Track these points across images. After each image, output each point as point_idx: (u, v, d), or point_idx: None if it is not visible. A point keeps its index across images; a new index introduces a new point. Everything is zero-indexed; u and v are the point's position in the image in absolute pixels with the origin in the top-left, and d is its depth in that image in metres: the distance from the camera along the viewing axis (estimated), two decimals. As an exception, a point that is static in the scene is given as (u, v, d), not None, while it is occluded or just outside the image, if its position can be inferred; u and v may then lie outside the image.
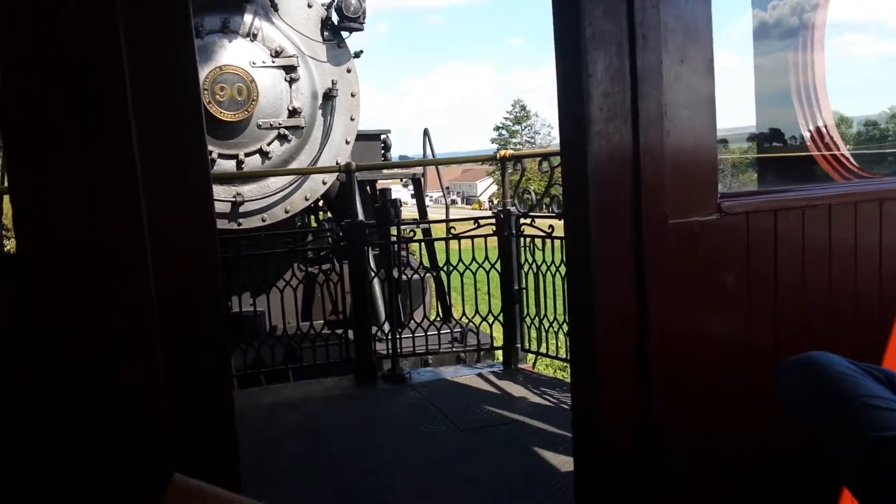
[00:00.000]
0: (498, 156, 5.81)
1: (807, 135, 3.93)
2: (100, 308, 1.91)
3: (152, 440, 1.90)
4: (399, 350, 5.57)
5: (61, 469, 1.88)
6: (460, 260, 5.66)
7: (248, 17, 7.47)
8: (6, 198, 8.55)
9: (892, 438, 1.53)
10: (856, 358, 1.80)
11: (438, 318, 6.10)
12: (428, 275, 6.81)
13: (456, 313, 6.76)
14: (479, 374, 5.51)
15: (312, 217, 9.16)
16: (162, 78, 1.92)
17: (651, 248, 2.26)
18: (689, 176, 2.30)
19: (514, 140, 74.44)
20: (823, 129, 3.83)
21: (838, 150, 3.73)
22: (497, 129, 77.81)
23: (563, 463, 3.69)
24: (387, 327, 5.74)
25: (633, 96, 2.23)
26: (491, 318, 5.81)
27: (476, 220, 5.78)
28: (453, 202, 70.17)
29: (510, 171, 5.82)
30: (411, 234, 6.13)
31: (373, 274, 5.73)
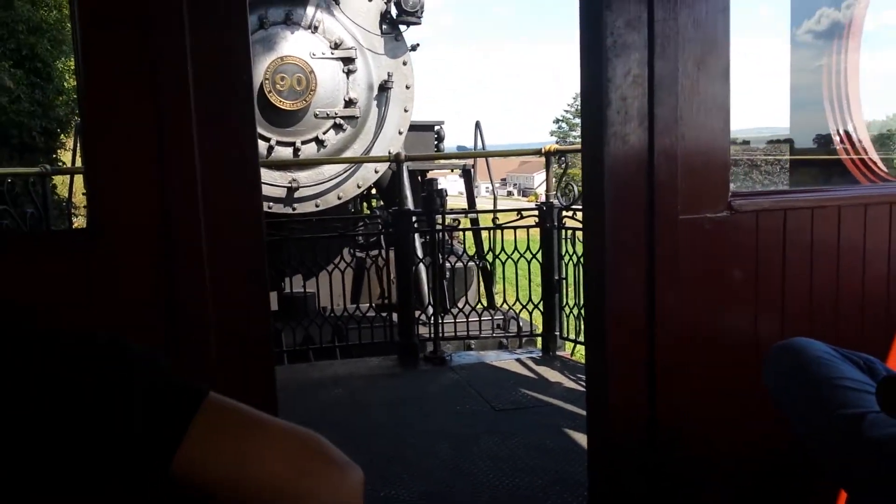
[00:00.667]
0: (543, 150, 5.99)
1: (836, 139, 4.00)
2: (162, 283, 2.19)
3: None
4: (441, 333, 5.82)
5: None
6: (503, 249, 5.87)
7: (310, 10, 7.78)
8: (77, 177, 9.08)
9: (857, 415, 1.69)
10: (860, 354, 1.94)
11: (480, 305, 6.31)
12: (471, 263, 7.03)
13: (499, 300, 6.99)
14: (518, 360, 5.71)
15: (365, 204, 9.46)
16: (219, 75, 2.17)
17: (662, 242, 2.43)
18: (702, 176, 2.46)
19: (573, 134, 73.71)
20: (854, 135, 3.90)
21: (867, 154, 3.81)
22: (557, 122, 77.33)
23: (589, 444, 3.88)
24: (430, 311, 5.98)
25: (649, 101, 2.40)
26: (531, 307, 6.01)
27: (519, 211, 5.97)
28: (510, 194, 70.15)
29: (555, 165, 5.99)
30: (455, 223, 6.35)
31: (417, 260, 5.97)
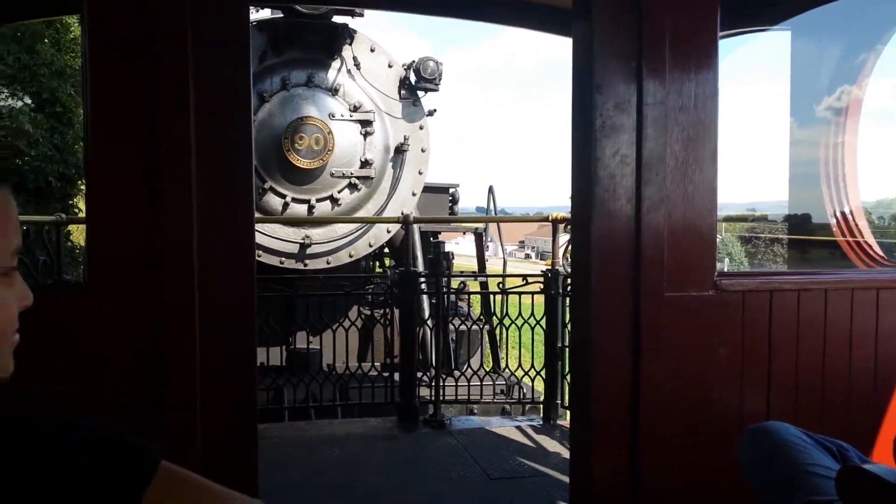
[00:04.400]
0: (550, 217, 6.08)
1: (832, 221, 4.06)
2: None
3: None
4: (442, 397, 5.81)
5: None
6: (506, 314, 5.89)
7: (331, 74, 8.01)
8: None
9: (823, 502, 1.71)
10: (846, 438, 1.96)
11: (483, 370, 6.31)
12: (475, 326, 7.04)
13: (504, 364, 6.99)
14: (518, 427, 5.67)
15: (377, 262, 9.55)
16: (222, 143, 2.28)
17: (647, 318, 2.48)
18: (688, 254, 2.51)
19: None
20: (849, 215, 3.96)
21: (862, 236, 3.85)
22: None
23: (581, 518, 3.82)
24: (432, 373, 5.99)
25: (637, 180, 2.48)
26: (533, 373, 6.00)
27: (525, 277, 6.01)
28: (527, 256, 70.29)
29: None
30: (461, 286, 6.40)
31: (423, 321, 6.01)
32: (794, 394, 2.61)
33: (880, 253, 3.98)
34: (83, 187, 15.66)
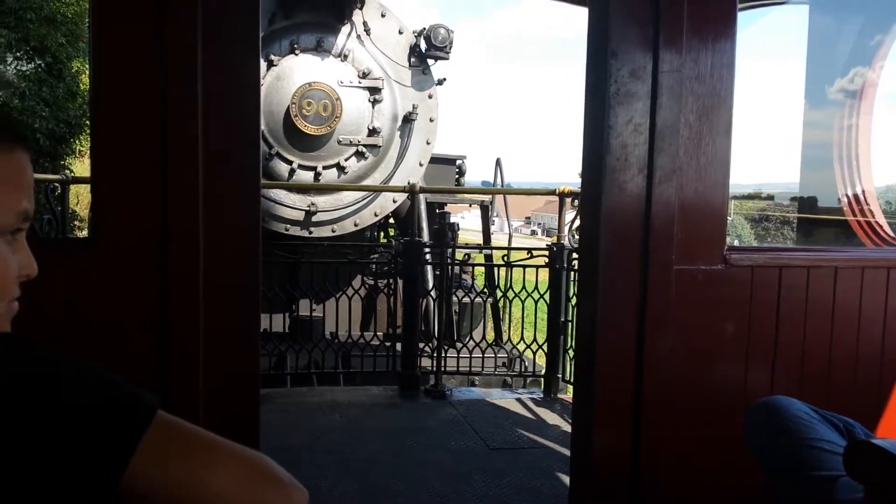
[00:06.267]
0: (557, 191, 6.03)
1: (844, 202, 4.01)
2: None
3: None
4: (443, 367, 5.81)
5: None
6: (510, 287, 5.87)
7: (341, 39, 7.92)
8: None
9: (831, 478, 1.70)
10: (851, 416, 1.94)
11: (485, 342, 6.31)
12: (478, 299, 7.03)
13: (507, 338, 6.99)
14: (518, 399, 5.68)
15: (382, 233, 9.53)
16: (230, 107, 2.24)
17: (655, 290, 2.45)
18: (698, 227, 2.48)
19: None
20: (861, 197, 3.91)
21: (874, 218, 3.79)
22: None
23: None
24: (434, 344, 5.99)
25: (650, 150, 2.43)
26: (535, 347, 6.00)
27: (530, 250, 5.99)
28: (533, 233, 70.22)
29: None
30: (466, 257, 6.37)
31: (427, 292, 5.99)
32: (799, 371, 2.59)
33: (891, 234, 3.94)
34: (77, 147, 14.29)
